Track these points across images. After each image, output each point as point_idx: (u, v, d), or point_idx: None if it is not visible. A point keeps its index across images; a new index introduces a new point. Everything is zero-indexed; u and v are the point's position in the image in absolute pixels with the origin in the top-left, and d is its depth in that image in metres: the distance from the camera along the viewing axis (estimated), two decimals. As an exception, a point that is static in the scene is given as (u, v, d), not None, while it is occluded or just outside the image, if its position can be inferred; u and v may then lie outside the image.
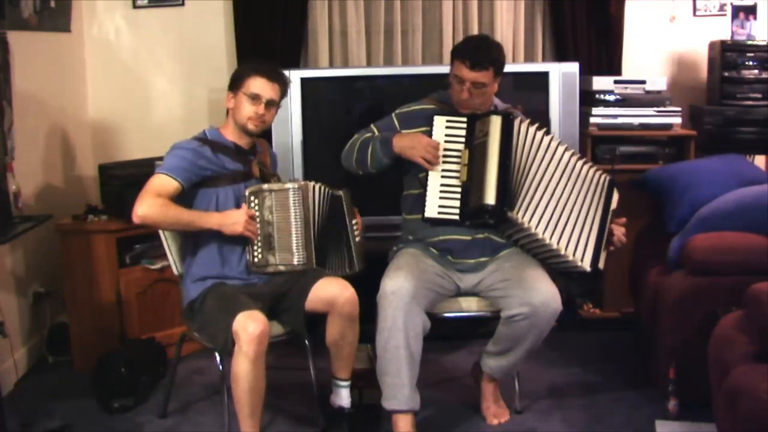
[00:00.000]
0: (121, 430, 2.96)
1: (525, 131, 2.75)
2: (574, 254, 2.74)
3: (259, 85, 2.72)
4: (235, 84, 2.76)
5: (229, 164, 2.75)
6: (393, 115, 2.95)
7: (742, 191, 3.05)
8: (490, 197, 2.67)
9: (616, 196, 2.87)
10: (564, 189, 2.78)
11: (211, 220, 2.67)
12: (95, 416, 3.05)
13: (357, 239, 2.87)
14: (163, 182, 2.62)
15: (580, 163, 2.84)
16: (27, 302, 3.50)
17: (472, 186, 2.72)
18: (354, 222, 2.87)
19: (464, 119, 2.80)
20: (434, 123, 2.82)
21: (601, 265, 2.78)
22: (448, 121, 2.82)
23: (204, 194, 2.73)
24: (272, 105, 2.76)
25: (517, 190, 2.72)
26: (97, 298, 3.42)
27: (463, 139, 2.79)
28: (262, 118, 2.74)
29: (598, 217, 2.80)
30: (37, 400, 3.17)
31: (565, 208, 2.77)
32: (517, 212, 2.70)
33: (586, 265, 2.75)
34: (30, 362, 3.50)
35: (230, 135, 2.79)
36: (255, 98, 2.71)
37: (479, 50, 2.76)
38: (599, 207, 2.82)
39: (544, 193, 2.75)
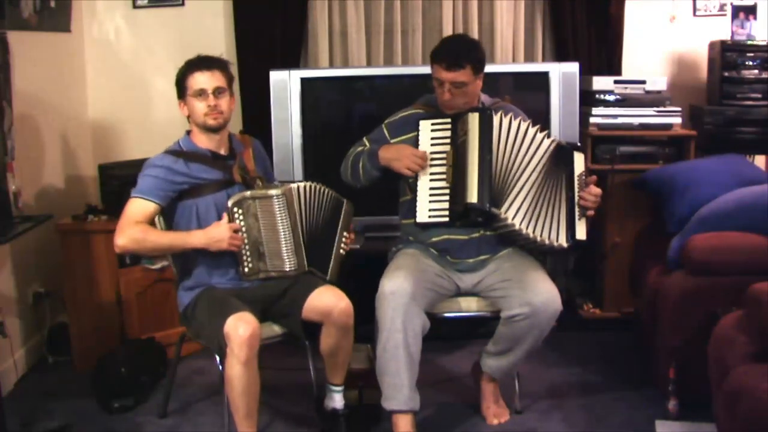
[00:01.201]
0: (121, 430, 2.96)
1: (506, 124, 2.75)
2: (549, 237, 2.75)
3: (198, 80, 2.69)
4: (180, 91, 2.74)
5: (206, 174, 2.71)
6: (383, 125, 2.96)
7: (742, 191, 3.05)
8: (473, 195, 2.67)
9: (579, 159, 2.80)
10: (543, 177, 2.77)
11: (194, 240, 2.64)
12: (95, 416, 3.05)
13: (341, 252, 2.83)
14: (139, 207, 2.61)
15: (547, 141, 2.80)
16: (27, 302, 3.50)
17: (457, 186, 2.73)
18: (345, 234, 2.84)
19: (448, 120, 2.81)
20: (420, 128, 2.83)
21: (580, 235, 2.76)
22: (433, 124, 2.83)
23: (183, 207, 2.70)
24: (222, 92, 2.71)
25: (503, 185, 2.73)
26: (97, 298, 3.42)
27: (449, 140, 2.79)
28: (217, 109, 2.69)
29: (564, 190, 2.77)
30: (37, 400, 3.17)
31: (538, 193, 2.75)
32: (504, 209, 2.71)
33: (563, 241, 2.75)
34: (30, 362, 3.50)
35: (201, 141, 2.74)
36: (201, 94, 2.69)
37: (454, 50, 2.76)
38: (562, 179, 2.78)
39: (525, 184, 2.75)
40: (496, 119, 2.73)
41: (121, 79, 4.20)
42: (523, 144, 2.76)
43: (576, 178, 2.78)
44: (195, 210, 2.69)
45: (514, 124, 2.76)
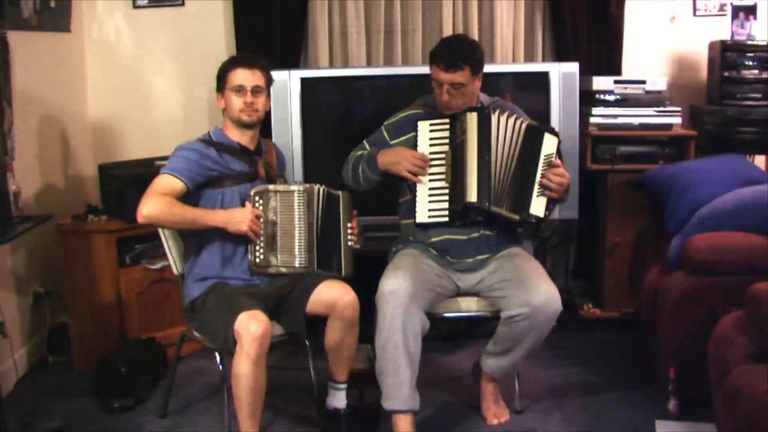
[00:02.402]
0: (121, 430, 2.96)
1: (504, 123, 2.75)
2: (508, 210, 2.73)
3: (239, 76, 2.73)
4: (220, 84, 2.78)
5: (234, 164, 2.76)
6: (382, 127, 2.96)
7: (742, 191, 3.05)
8: (472, 194, 2.69)
9: (549, 141, 2.76)
10: (516, 159, 2.76)
11: (217, 217, 2.67)
12: (95, 416, 3.05)
13: (349, 244, 2.85)
14: (167, 182, 2.63)
15: (519, 123, 2.77)
16: (27, 302, 3.50)
17: (457, 186, 2.74)
18: (349, 226, 2.85)
19: (446, 120, 2.81)
20: (418, 128, 2.83)
21: (535, 211, 2.73)
22: (431, 124, 2.83)
23: (209, 195, 2.73)
24: (259, 91, 2.76)
25: (503, 183, 2.73)
26: (97, 298, 3.42)
27: (447, 141, 2.80)
28: (253, 107, 2.74)
29: (526, 166, 2.75)
30: (37, 400, 3.17)
31: (514, 174, 2.75)
32: (506, 207, 2.71)
33: (515, 215, 2.74)
34: (30, 362, 3.50)
35: (232, 135, 2.79)
36: (240, 90, 2.73)
37: (452, 51, 2.75)
38: (526, 156, 2.76)
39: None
40: (494, 118, 2.73)
41: (121, 79, 4.20)
42: (519, 141, 2.76)
43: (542, 157, 2.75)
44: (221, 199, 2.73)
45: (511, 121, 2.76)
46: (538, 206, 2.75)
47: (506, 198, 2.75)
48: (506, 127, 2.75)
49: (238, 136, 2.79)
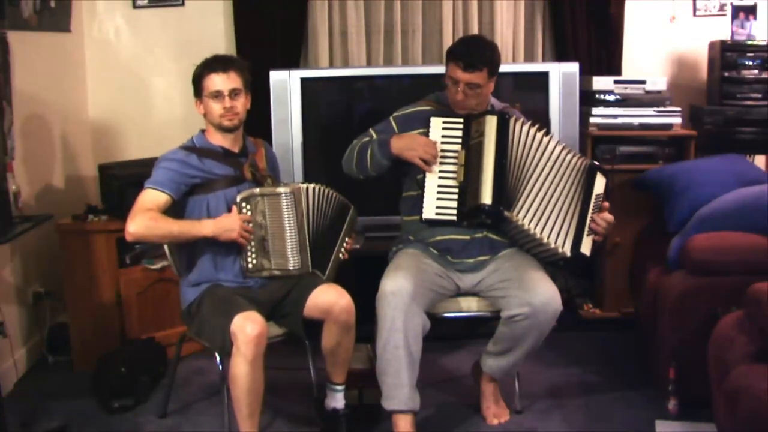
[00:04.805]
0: (121, 430, 2.96)
1: (520, 130, 2.75)
2: (555, 242, 2.73)
3: (215, 81, 2.70)
4: (197, 91, 2.75)
5: (218, 169, 2.73)
6: (391, 117, 2.95)
7: (742, 191, 3.05)
8: (487, 197, 2.68)
9: (600, 181, 2.79)
10: (556, 184, 2.76)
11: (204, 229, 2.65)
12: (95, 416, 3.05)
13: (340, 255, 2.85)
14: (152, 197, 2.62)
15: (570, 155, 2.79)
16: (27, 302, 3.50)
17: (468, 186, 2.74)
18: (346, 240, 2.86)
19: (460, 120, 2.81)
20: (431, 124, 2.83)
21: (584, 249, 2.75)
22: (444, 122, 2.82)
23: (195, 202, 2.72)
24: (237, 93, 2.73)
25: (514, 189, 2.73)
26: (97, 298, 3.42)
27: (459, 140, 2.79)
28: (233, 110, 2.71)
29: (579, 203, 2.76)
30: (37, 400, 3.17)
31: (552, 200, 2.75)
32: (516, 212, 2.71)
33: (567, 250, 2.73)
34: (30, 362, 3.50)
35: (215, 139, 2.77)
36: (217, 95, 2.70)
37: (473, 51, 2.75)
38: (580, 193, 2.77)
39: (538, 191, 2.74)
40: (512, 124, 2.73)
41: (121, 79, 4.20)
42: (533, 150, 2.75)
43: (593, 197, 2.76)
44: (206, 204, 2.71)
45: (525, 129, 2.76)
46: (586, 245, 2.76)
47: (552, 227, 2.74)
48: (520, 133, 2.74)
49: (220, 140, 2.76)
